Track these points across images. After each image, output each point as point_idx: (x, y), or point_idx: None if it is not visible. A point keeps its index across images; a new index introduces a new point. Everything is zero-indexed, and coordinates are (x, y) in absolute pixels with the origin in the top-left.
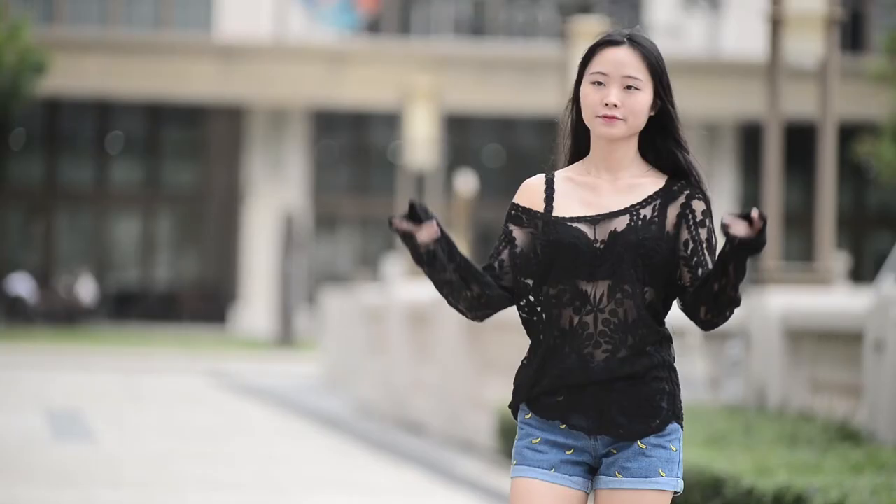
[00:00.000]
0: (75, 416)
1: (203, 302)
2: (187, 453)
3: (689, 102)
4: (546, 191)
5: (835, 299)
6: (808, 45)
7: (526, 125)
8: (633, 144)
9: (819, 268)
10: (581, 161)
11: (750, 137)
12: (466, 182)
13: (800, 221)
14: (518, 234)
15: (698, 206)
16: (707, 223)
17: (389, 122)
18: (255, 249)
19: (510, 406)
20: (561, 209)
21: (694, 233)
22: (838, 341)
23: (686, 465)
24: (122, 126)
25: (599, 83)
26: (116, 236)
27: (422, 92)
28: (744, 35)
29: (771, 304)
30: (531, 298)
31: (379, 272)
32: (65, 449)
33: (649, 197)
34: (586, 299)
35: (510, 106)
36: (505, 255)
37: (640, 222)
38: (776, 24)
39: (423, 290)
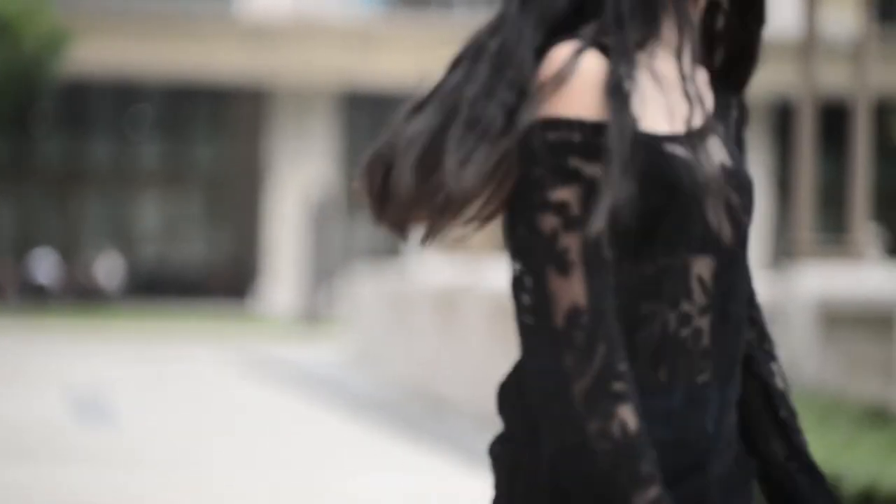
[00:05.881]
0: (97, 398)
1: (228, 280)
2: (211, 434)
3: None
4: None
5: (868, 279)
6: (844, 18)
7: None
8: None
9: (851, 240)
10: (648, 38)
11: (782, 115)
12: None
13: (834, 201)
14: (595, 173)
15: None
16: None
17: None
18: (281, 229)
19: None
20: (644, 117)
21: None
22: (874, 322)
23: None
24: (146, 106)
25: None
26: (140, 216)
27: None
28: (776, 10)
29: (805, 285)
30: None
31: (405, 250)
32: (86, 431)
33: (721, 104)
34: (697, 286)
35: None
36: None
37: (732, 149)
38: None
39: (449, 270)
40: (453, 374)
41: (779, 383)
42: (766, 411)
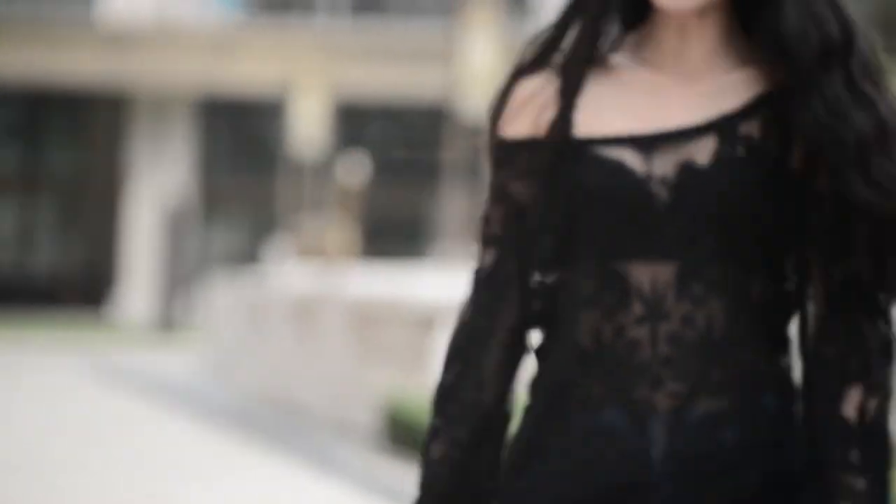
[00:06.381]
0: None
1: (84, 288)
2: (62, 442)
3: None
4: (563, 87)
5: None
6: None
7: (420, 112)
8: (725, 19)
9: None
10: (626, 38)
11: None
12: (353, 168)
13: None
14: (520, 189)
15: None
16: None
17: (277, 108)
18: (138, 236)
19: None
20: (590, 122)
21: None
22: None
23: None
24: (1, 111)
25: None
26: None
27: (310, 76)
28: None
29: None
30: (536, 298)
31: (264, 258)
32: None
33: (756, 100)
34: (634, 295)
35: (403, 91)
36: (510, 249)
37: (740, 149)
38: None
39: (307, 277)
40: (310, 382)
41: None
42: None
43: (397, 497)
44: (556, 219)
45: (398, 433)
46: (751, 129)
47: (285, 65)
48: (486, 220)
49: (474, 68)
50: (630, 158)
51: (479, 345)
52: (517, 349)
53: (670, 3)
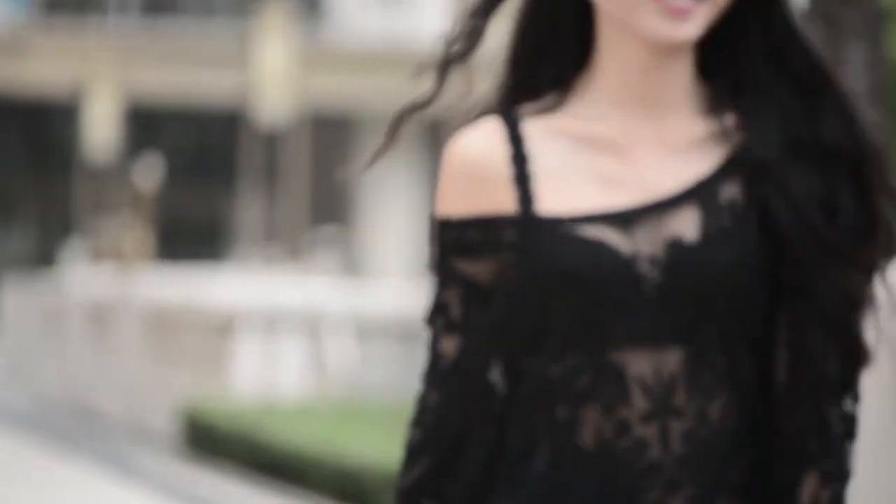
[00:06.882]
0: None
1: None
2: None
3: None
4: (515, 161)
5: None
6: None
7: (215, 115)
8: (692, 56)
9: None
10: (572, 93)
11: None
12: (147, 171)
13: None
14: (474, 269)
15: None
16: None
17: (71, 110)
18: None
19: None
20: (553, 197)
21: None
22: None
23: None
24: None
25: None
26: None
27: (103, 78)
28: None
29: None
30: (513, 392)
31: (59, 261)
32: None
33: (730, 162)
34: (636, 387)
35: (197, 93)
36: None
37: (725, 217)
38: None
39: (102, 281)
40: (107, 387)
41: None
42: None
43: (195, 501)
44: (526, 306)
45: (196, 437)
46: (731, 192)
47: (77, 66)
48: (442, 304)
49: (268, 72)
50: (611, 236)
51: (450, 437)
52: (494, 442)
53: (669, 31)
